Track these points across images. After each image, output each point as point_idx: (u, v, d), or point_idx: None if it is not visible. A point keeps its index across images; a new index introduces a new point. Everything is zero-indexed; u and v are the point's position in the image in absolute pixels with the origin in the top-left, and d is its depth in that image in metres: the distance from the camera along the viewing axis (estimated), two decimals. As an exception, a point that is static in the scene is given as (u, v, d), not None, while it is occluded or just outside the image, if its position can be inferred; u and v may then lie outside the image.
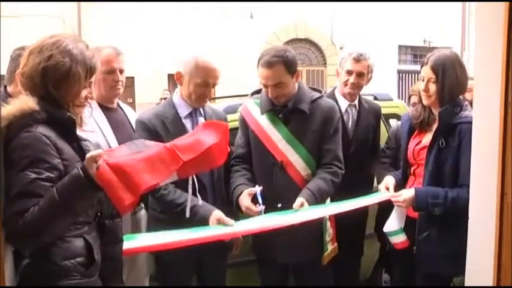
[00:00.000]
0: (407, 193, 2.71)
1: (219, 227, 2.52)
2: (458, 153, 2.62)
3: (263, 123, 2.86)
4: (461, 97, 2.75)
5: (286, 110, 2.83)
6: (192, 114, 2.80)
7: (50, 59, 1.82)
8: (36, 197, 1.70)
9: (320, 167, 2.84)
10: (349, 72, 3.24)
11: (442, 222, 2.65)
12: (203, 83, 2.67)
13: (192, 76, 2.67)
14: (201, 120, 2.82)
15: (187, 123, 2.77)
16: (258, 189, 2.67)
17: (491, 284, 1.84)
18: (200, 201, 2.58)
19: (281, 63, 2.70)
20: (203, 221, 2.56)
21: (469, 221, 2.06)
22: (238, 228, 2.55)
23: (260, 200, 2.62)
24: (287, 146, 2.80)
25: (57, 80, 1.83)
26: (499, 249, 1.80)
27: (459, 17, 17.71)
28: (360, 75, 3.23)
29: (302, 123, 2.82)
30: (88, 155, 1.69)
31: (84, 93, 1.92)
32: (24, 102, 1.79)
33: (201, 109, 2.84)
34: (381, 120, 3.58)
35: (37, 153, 1.73)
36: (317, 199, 2.70)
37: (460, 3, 17.50)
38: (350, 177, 2.98)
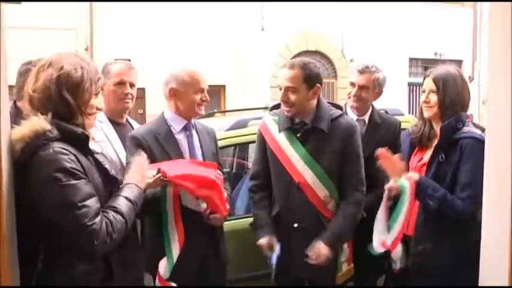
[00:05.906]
0: (413, 174, 2.68)
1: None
2: (457, 168, 2.58)
3: (281, 141, 2.83)
4: (464, 113, 2.68)
5: (305, 129, 2.80)
6: (186, 128, 2.82)
7: (62, 69, 1.87)
8: (93, 197, 1.80)
9: (343, 197, 2.82)
10: (352, 84, 3.19)
11: (437, 236, 2.62)
12: (199, 89, 2.75)
13: (188, 86, 2.73)
14: (194, 133, 2.85)
15: (181, 138, 2.79)
16: (276, 251, 2.71)
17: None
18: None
19: (300, 69, 2.72)
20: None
21: (483, 222, 2.04)
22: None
23: (274, 260, 2.72)
24: (305, 167, 2.77)
25: (72, 87, 1.88)
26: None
27: (470, 29, 17.65)
28: (362, 88, 3.16)
29: (320, 144, 2.78)
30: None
31: (95, 102, 2.00)
32: (36, 122, 1.81)
33: (192, 123, 2.86)
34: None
35: (65, 163, 1.78)
36: (340, 240, 2.78)
37: (471, 15, 17.47)
38: None
